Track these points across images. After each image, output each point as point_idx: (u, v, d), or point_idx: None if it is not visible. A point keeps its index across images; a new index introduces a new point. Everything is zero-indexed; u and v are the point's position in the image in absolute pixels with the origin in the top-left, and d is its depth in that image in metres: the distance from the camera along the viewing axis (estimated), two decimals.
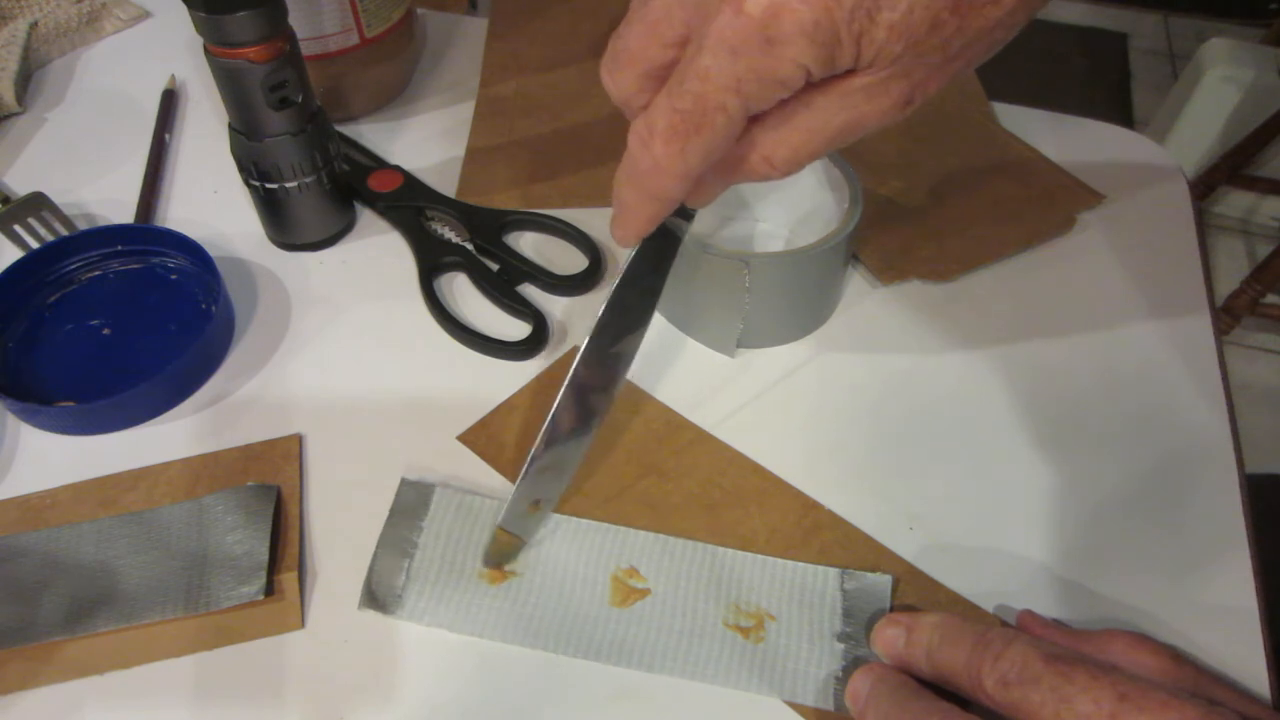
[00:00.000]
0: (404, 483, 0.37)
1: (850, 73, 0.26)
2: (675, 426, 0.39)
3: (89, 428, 0.40)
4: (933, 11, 0.24)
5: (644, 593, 0.34)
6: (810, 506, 0.37)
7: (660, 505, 0.37)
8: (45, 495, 0.37)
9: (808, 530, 0.36)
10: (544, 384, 0.41)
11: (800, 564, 0.35)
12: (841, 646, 0.33)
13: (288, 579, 0.34)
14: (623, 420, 0.39)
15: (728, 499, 0.37)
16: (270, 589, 0.34)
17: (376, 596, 0.34)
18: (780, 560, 0.35)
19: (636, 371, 0.41)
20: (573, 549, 0.35)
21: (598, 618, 0.34)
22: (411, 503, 0.36)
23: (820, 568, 0.35)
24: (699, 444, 0.39)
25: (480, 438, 0.39)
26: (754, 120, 0.27)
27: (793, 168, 0.28)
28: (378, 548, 0.35)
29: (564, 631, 0.33)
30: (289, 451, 0.38)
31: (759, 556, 0.35)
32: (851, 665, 0.32)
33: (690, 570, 0.35)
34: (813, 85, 0.26)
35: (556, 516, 0.36)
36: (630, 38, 0.27)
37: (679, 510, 0.36)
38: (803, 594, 0.34)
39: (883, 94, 0.26)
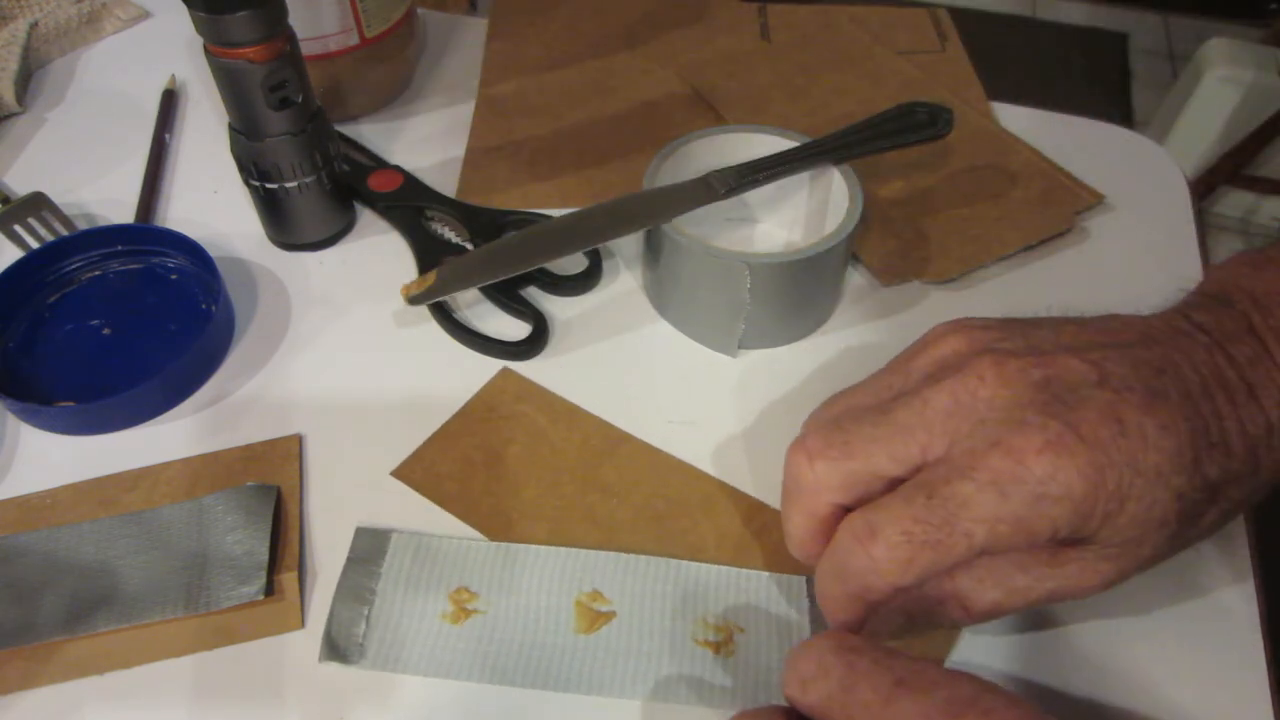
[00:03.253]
0: (359, 531, 0.35)
1: (1074, 544, 0.28)
2: (614, 440, 0.39)
3: (89, 428, 0.40)
4: (1165, 511, 0.26)
5: (609, 616, 0.33)
6: (757, 509, 0.36)
7: (606, 521, 0.36)
8: (45, 495, 0.37)
9: (756, 532, 0.36)
10: (477, 410, 0.40)
11: (765, 573, 0.34)
12: None
13: (288, 579, 0.34)
14: (560, 438, 0.39)
15: (673, 509, 0.36)
16: (270, 589, 0.34)
17: (338, 647, 0.32)
18: (744, 570, 0.34)
19: (624, 376, 0.41)
20: (533, 578, 0.34)
21: (564, 647, 0.33)
22: (368, 549, 0.35)
23: (785, 576, 0.34)
24: (640, 456, 0.38)
25: (415, 472, 0.38)
26: (960, 566, 0.29)
27: (983, 620, 0.30)
28: (335, 597, 0.34)
29: (530, 666, 0.32)
30: (289, 451, 0.38)
31: (723, 568, 0.34)
32: None
33: (654, 587, 0.34)
34: (1034, 549, 0.28)
35: (513, 546, 0.35)
36: (857, 440, 0.28)
37: (626, 525, 0.36)
38: (769, 603, 0.34)
39: (1093, 572, 0.28)
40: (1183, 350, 0.28)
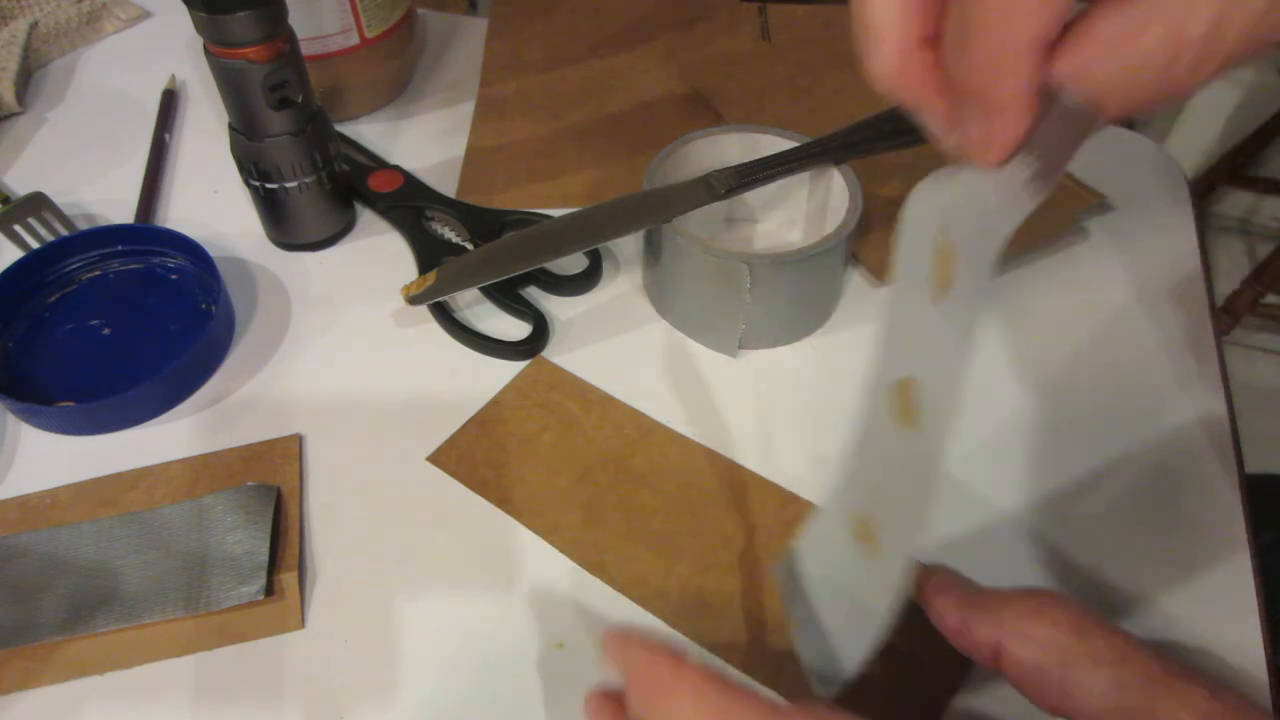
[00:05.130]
0: (774, 569, 0.34)
1: None
2: (646, 429, 0.39)
3: (89, 428, 0.40)
4: None
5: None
6: (789, 499, 0.37)
7: (639, 510, 0.36)
8: (45, 495, 0.37)
9: (789, 522, 0.36)
10: (510, 398, 0.40)
11: None
12: None
13: (288, 579, 0.34)
14: (593, 426, 0.39)
15: (705, 498, 0.37)
16: (270, 589, 0.34)
17: (829, 677, 0.30)
18: None
19: (626, 376, 0.41)
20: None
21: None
22: (787, 578, 0.33)
23: None
24: (672, 446, 0.39)
25: (450, 458, 0.38)
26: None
27: (1197, 75, 0.23)
28: (797, 638, 0.32)
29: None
30: (289, 451, 0.38)
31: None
32: None
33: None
34: None
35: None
36: None
37: (659, 513, 0.36)
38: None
39: None
40: None
